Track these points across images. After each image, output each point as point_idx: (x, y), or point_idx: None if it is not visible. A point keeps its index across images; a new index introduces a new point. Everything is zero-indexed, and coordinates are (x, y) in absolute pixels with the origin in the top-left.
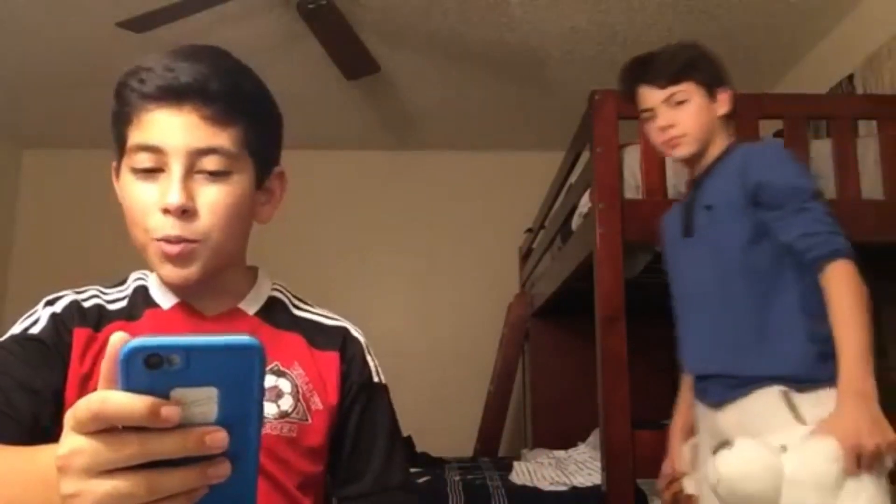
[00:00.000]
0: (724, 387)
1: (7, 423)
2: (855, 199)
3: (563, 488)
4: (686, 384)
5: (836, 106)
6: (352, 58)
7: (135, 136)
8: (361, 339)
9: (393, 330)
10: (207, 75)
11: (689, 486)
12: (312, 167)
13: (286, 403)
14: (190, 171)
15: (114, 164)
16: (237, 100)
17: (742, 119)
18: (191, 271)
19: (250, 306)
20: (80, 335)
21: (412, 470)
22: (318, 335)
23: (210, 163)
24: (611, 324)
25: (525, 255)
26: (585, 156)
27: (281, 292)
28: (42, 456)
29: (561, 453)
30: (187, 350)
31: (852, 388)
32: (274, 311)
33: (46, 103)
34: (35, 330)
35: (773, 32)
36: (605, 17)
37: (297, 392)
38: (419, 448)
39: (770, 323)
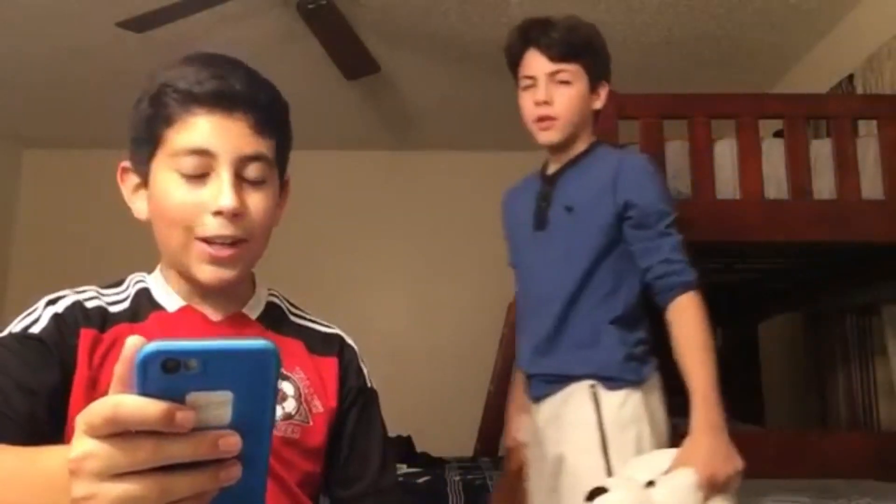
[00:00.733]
0: (545, 383)
1: (5, 423)
2: (855, 199)
3: None
4: (520, 376)
5: (836, 106)
6: (352, 58)
7: (181, 139)
8: (354, 346)
9: (393, 330)
10: (255, 86)
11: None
12: (312, 167)
13: (290, 406)
14: (238, 177)
15: (122, 164)
16: (276, 112)
17: (742, 119)
18: (231, 274)
19: (253, 311)
20: (86, 336)
21: (412, 470)
22: (316, 341)
23: (253, 170)
24: None
25: None
26: None
27: (278, 298)
28: (46, 458)
29: None
30: (205, 354)
31: (706, 421)
32: (274, 317)
33: (46, 103)
34: (35, 329)
35: (773, 32)
36: (605, 17)
37: (300, 395)
38: (419, 448)
39: (596, 328)
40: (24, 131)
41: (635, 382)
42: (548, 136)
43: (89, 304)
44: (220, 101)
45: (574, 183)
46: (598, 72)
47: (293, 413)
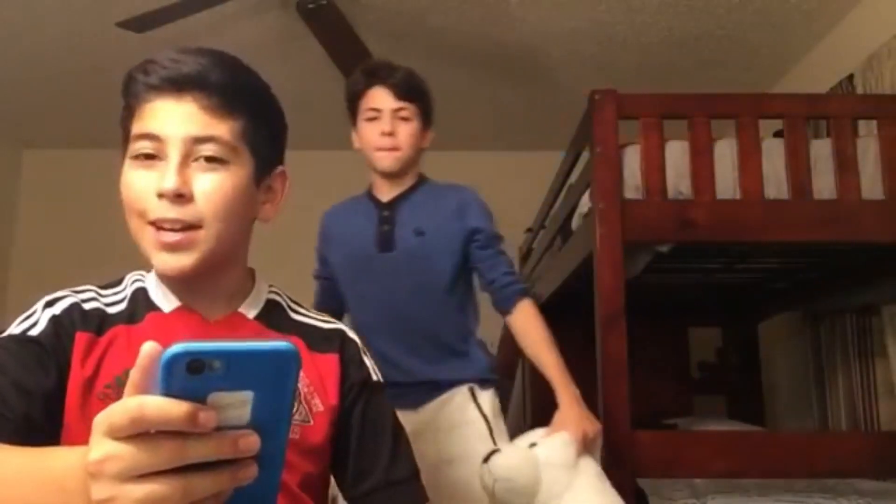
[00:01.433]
0: (425, 391)
1: (3, 423)
2: (855, 199)
3: None
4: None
5: (836, 106)
6: (352, 58)
7: (136, 127)
8: (357, 340)
9: None
10: (208, 67)
11: None
12: (313, 167)
13: None
14: (187, 159)
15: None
16: (236, 93)
17: (742, 119)
18: (187, 262)
19: (250, 310)
20: (81, 339)
21: None
22: (316, 338)
23: (206, 151)
24: (611, 324)
25: (525, 255)
26: (585, 156)
27: (278, 295)
28: (55, 459)
29: None
30: (229, 356)
31: (570, 395)
32: (273, 315)
33: (46, 103)
34: (34, 332)
35: (773, 32)
36: (605, 16)
37: (300, 395)
38: None
39: (461, 339)
40: (24, 131)
41: (494, 381)
42: (389, 164)
43: (87, 307)
44: (168, 85)
45: (420, 210)
46: (427, 116)
47: (293, 413)
